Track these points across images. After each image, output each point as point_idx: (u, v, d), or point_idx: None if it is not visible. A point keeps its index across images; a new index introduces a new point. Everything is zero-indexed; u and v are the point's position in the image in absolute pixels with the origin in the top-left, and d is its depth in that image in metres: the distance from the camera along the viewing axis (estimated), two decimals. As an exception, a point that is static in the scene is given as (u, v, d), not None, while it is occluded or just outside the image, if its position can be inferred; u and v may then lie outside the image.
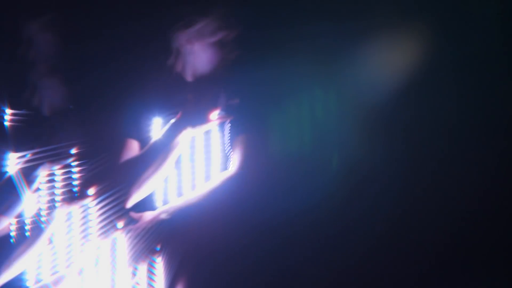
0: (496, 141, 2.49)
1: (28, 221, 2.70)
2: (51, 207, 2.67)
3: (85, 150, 2.69)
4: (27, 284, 2.65)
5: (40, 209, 2.69)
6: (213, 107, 2.47)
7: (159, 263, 2.47)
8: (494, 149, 2.49)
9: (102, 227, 2.57)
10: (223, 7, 2.53)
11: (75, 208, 2.63)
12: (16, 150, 2.76)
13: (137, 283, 2.50)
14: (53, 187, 2.69)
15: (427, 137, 2.54)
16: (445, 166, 2.51)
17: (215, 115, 2.47)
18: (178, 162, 2.50)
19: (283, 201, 2.41)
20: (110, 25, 2.74)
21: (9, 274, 2.63)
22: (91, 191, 2.60)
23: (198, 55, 2.52)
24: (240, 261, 2.36)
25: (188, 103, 2.54)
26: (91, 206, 2.61)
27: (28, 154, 2.74)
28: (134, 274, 2.50)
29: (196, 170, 2.48)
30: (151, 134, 2.59)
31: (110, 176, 2.59)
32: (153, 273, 2.48)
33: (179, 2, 2.59)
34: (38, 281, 2.64)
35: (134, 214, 2.49)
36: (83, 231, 2.62)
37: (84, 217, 2.63)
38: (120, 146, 2.61)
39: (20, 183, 2.68)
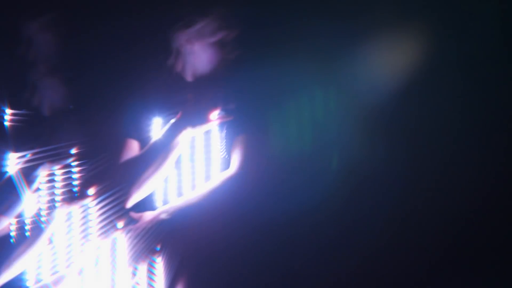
0: (496, 141, 2.49)
1: (28, 221, 2.70)
2: (51, 207, 2.67)
3: (85, 150, 2.69)
4: (27, 284, 2.65)
5: (40, 209, 2.69)
6: (213, 107, 2.47)
7: (159, 263, 2.47)
8: (494, 149, 2.49)
9: (102, 227, 2.57)
10: (223, 7, 2.53)
11: (75, 208, 2.63)
12: (16, 150, 2.76)
13: (137, 283, 2.50)
14: (53, 187, 2.69)
15: (428, 137, 2.54)
16: (446, 166, 2.51)
17: (215, 115, 2.47)
18: (178, 162, 2.50)
19: (283, 201, 2.41)
20: (110, 25, 2.74)
21: (9, 274, 2.63)
22: (91, 191, 2.60)
23: (198, 55, 2.52)
24: (240, 261, 2.36)
25: (188, 103, 2.54)
26: (91, 206, 2.61)
27: (28, 154, 2.73)
28: (134, 274, 2.50)
29: (196, 170, 2.48)
30: (151, 134, 2.59)
31: (110, 176, 2.59)
32: (153, 273, 2.48)
33: (179, 2, 2.59)
34: (38, 281, 2.64)
35: (134, 214, 2.49)
36: (83, 231, 2.62)
37: (84, 217, 2.62)
38: (120, 146, 2.61)
39: (20, 183, 2.68)
